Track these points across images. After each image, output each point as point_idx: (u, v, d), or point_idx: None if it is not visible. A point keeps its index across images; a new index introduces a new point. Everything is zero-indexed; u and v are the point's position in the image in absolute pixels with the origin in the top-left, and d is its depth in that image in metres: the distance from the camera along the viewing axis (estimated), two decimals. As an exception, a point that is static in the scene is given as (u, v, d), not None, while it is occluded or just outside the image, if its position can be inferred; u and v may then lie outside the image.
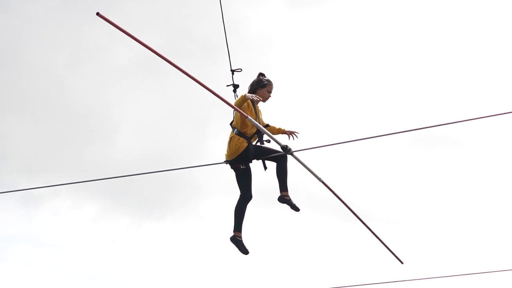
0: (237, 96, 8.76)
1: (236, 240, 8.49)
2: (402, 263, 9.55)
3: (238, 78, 8.87)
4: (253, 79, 8.69)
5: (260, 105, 8.73)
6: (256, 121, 8.38)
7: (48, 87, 22.74)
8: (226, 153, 8.54)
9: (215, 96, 7.01)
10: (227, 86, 8.78)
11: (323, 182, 8.49)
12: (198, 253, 20.79)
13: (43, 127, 22.63)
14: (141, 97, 22.69)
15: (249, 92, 8.59)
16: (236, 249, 8.48)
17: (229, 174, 8.65)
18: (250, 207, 8.56)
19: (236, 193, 8.61)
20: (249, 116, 8.05)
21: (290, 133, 8.78)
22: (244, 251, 8.48)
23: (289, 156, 8.44)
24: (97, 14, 5.96)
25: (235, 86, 8.84)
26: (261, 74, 8.70)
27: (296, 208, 8.46)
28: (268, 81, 8.66)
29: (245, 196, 8.54)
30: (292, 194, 8.56)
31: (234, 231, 8.51)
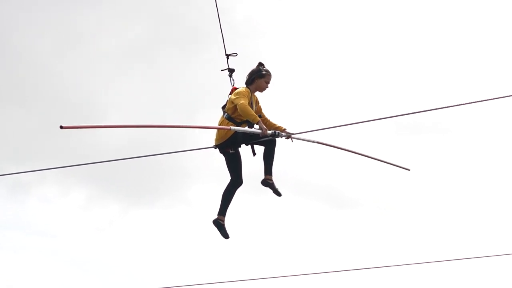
0: (233, 80, 8.82)
1: (219, 223, 8.54)
2: (408, 170, 9.58)
3: (231, 64, 8.88)
4: (252, 68, 8.71)
5: (258, 95, 8.76)
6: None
7: (35, 73, 22.65)
8: (215, 137, 8.57)
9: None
10: (222, 70, 8.80)
11: (318, 142, 8.61)
12: (186, 240, 20.84)
13: (31, 113, 22.57)
14: (128, 83, 22.65)
15: (246, 82, 8.64)
16: (218, 232, 8.53)
17: (218, 160, 8.67)
18: (238, 192, 8.59)
19: (225, 179, 8.62)
20: (232, 127, 8.23)
21: (288, 136, 8.60)
22: (225, 235, 8.54)
23: (277, 142, 8.51)
24: (61, 127, 6.25)
25: (231, 71, 8.86)
26: (260, 64, 8.72)
27: (278, 193, 8.53)
28: (267, 71, 8.69)
29: (236, 181, 8.57)
30: (281, 181, 8.61)
31: (218, 215, 8.56)
